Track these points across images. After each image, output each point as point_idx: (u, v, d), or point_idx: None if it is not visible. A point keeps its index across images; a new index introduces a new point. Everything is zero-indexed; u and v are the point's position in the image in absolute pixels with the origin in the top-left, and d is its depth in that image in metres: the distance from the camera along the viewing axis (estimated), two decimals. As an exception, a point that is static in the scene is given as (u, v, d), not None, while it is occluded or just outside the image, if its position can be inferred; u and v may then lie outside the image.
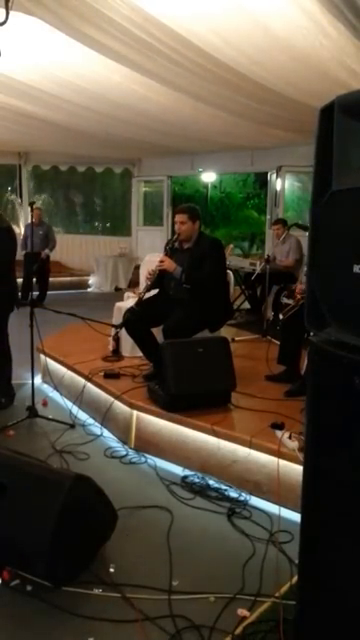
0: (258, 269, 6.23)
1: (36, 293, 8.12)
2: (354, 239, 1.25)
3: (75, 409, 3.99)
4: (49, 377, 4.49)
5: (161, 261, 3.82)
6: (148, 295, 3.98)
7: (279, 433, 2.87)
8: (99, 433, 3.71)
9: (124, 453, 3.43)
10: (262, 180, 13.95)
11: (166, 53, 4.14)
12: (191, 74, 4.63)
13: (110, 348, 4.49)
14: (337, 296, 1.34)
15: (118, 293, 8.95)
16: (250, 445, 2.89)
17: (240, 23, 3.49)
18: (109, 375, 3.90)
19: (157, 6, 3.38)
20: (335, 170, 1.30)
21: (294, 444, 2.73)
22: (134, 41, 3.92)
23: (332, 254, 1.34)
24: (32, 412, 3.83)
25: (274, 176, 9.24)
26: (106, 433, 3.71)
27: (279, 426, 2.95)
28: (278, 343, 4.16)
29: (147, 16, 3.47)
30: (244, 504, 2.83)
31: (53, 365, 4.50)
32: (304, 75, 4.42)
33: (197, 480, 3.07)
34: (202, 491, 2.96)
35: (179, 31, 3.70)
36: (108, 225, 12.36)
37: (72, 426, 3.78)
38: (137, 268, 9.23)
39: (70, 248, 11.18)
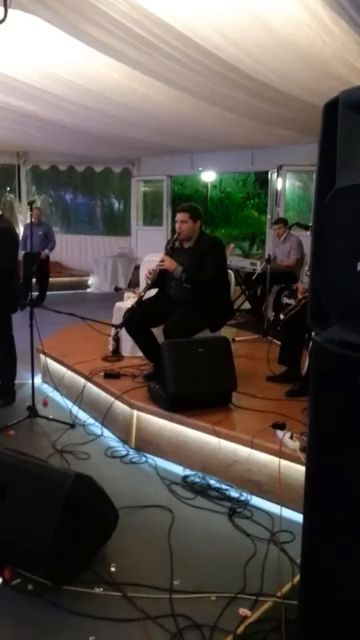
0: (259, 269, 6.23)
1: (36, 293, 8.12)
2: (358, 237, 1.24)
3: (75, 409, 3.99)
4: (49, 377, 4.48)
5: (162, 260, 3.81)
6: (148, 294, 3.98)
7: (280, 433, 2.87)
8: (99, 433, 3.71)
9: (124, 453, 3.43)
10: (262, 179, 13.96)
11: (167, 51, 4.13)
12: (192, 72, 4.62)
13: (110, 348, 4.49)
14: (341, 294, 1.34)
15: (118, 293, 8.92)
16: (251, 445, 2.89)
17: (242, 20, 3.49)
18: (109, 375, 3.90)
19: (157, 3, 3.37)
20: (339, 167, 1.29)
21: (295, 444, 2.73)
22: (134, 39, 3.92)
23: (336, 252, 1.33)
24: (32, 412, 3.82)
25: (275, 175, 9.23)
26: (106, 433, 3.70)
27: (280, 426, 2.94)
28: (279, 343, 4.16)
29: (147, 13, 3.46)
30: (245, 504, 2.83)
31: (53, 365, 4.49)
32: (306, 73, 4.41)
33: (198, 480, 3.07)
34: (203, 491, 2.95)
35: (180, 29, 3.70)
36: (107, 225, 12.35)
37: (72, 426, 3.77)
38: (137, 268, 9.22)
39: (69, 248, 11.17)
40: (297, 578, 2.06)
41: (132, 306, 3.92)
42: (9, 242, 3.88)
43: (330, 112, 1.30)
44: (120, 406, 3.59)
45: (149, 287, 3.95)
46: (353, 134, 1.26)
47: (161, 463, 3.29)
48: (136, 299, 4.00)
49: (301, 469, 2.40)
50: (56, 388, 4.36)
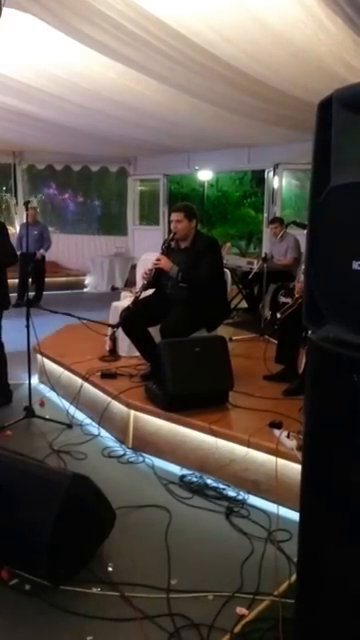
0: (255, 268, 6.22)
1: (32, 293, 8.10)
2: (353, 235, 1.24)
3: (72, 409, 3.98)
4: (46, 377, 4.47)
5: (157, 260, 3.81)
6: (144, 294, 3.97)
7: (277, 432, 2.87)
8: (96, 433, 3.70)
9: (122, 453, 3.43)
10: (259, 178, 13.93)
11: (162, 49, 4.12)
12: (188, 70, 4.61)
13: (107, 348, 4.48)
14: (336, 293, 1.34)
15: (114, 293, 8.94)
16: (248, 444, 2.89)
17: (237, 18, 3.48)
18: (106, 375, 3.89)
19: (152, 1, 3.36)
20: (334, 165, 1.29)
21: (292, 443, 2.73)
22: (129, 37, 3.90)
23: (331, 251, 1.33)
24: (29, 412, 3.82)
25: (271, 174, 9.23)
26: (103, 433, 3.70)
27: (277, 425, 2.95)
28: (275, 342, 4.16)
29: (142, 11, 3.45)
30: (242, 503, 2.83)
31: (50, 365, 4.48)
32: (302, 71, 4.40)
33: (195, 479, 3.07)
34: (200, 490, 2.95)
35: (175, 26, 3.68)
36: (104, 224, 12.32)
37: (69, 426, 3.77)
38: (133, 267, 9.21)
39: (66, 248, 11.14)
40: (294, 577, 2.06)
41: (128, 306, 3.91)
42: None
43: (324, 110, 1.30)
44: (117, 406, 3.59)
45: (145, 287, 3.94)
46: (347, 132, 1.26)
47: (158, 463, 3.29)
48: (132, 299, 3.99)
49: (298, 468, 2.39)
50: (53, 388, 4.36)
